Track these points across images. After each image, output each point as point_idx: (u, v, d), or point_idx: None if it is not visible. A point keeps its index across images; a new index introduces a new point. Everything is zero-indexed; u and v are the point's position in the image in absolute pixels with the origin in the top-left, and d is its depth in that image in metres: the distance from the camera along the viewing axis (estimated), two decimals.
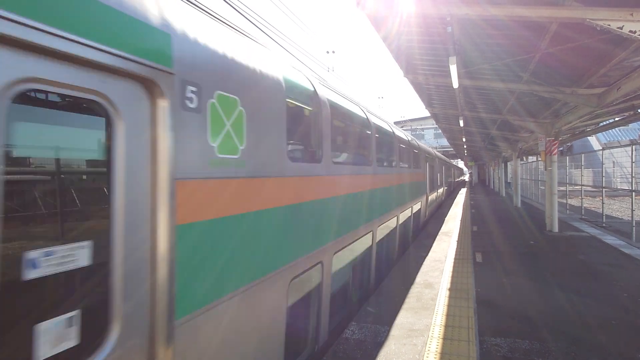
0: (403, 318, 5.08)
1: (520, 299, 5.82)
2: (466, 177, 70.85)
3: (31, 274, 1.52)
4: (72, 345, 1.66)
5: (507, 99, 11.40)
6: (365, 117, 6.59)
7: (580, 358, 4.04)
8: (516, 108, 12.08)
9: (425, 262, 8.10)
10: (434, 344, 4.30)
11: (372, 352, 4.20)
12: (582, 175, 15.79)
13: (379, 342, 4.42)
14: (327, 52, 45.65)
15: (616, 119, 11.90)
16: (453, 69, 7.29)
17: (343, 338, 4.55)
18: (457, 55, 6.96)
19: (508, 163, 31.59)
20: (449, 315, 5.14)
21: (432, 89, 12.79)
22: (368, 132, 6.66)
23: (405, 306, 5.52)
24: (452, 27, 5.78)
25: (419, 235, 11.87)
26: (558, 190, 12.90)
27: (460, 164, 69.03)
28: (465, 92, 11.50)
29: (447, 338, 4.45)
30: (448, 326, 4.78)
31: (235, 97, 2.61)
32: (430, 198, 15.28)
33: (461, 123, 16.03)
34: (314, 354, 4.16)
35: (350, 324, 4.94)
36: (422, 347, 4.25)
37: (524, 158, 27.62)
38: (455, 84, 8.43)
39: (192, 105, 2.20)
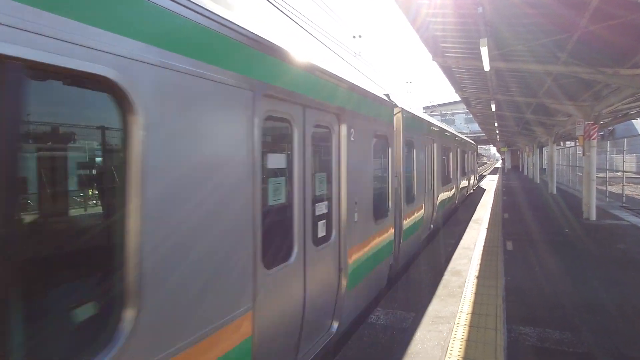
0: (429, 305, 5.07)
1: (552, 288, 5.66)
2: (498, 164, 68.65)
3: None
4: None
5: (543, 81, 10.88)
6: None
7: (615, 350, 3.92)
8: (553, 90, 11.51)
9: (453, 250, 8.00)
10: (460, 331, 4.27)
11: (397, 338, 4.24)
12: (624, 161, 14.97)
13: (403, 328, 4.45)
14: (354, 37, 44.85)
15: None
16: (484, 51, 7.03)
17: (368, 323, 4.61)
18: (489, 37, 6.69)
19: (544, 148, 30.28)
20: (476, 303, 5.08)
21: (462, 72, 12.38)
22: None
23: (431, 293, 5.50)
24: (484, 7, 5.56)
25: (449, 222, 11.65)
26: (597, 177, 12.29)
27: (493, 149, 66.82)
28: (498, 75, 11.06)
29: (473, 325, 4.41)
30: (475, 314, 4.73)
31: None
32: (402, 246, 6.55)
33: (493, 107, 15.46)
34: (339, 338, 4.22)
35: (376, 310, 4.98)
36: (448, 333, 4.24)
37: (561, 143, 26.39)
38: (487, 67, 8.13)
39: None
